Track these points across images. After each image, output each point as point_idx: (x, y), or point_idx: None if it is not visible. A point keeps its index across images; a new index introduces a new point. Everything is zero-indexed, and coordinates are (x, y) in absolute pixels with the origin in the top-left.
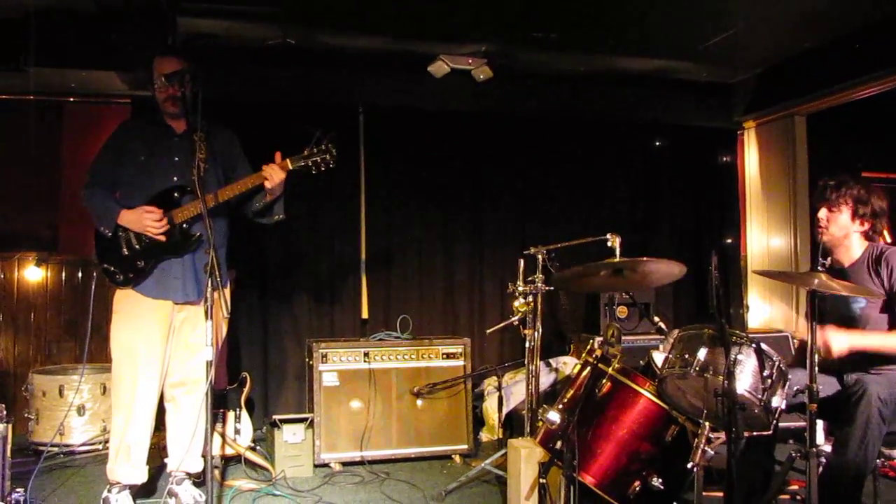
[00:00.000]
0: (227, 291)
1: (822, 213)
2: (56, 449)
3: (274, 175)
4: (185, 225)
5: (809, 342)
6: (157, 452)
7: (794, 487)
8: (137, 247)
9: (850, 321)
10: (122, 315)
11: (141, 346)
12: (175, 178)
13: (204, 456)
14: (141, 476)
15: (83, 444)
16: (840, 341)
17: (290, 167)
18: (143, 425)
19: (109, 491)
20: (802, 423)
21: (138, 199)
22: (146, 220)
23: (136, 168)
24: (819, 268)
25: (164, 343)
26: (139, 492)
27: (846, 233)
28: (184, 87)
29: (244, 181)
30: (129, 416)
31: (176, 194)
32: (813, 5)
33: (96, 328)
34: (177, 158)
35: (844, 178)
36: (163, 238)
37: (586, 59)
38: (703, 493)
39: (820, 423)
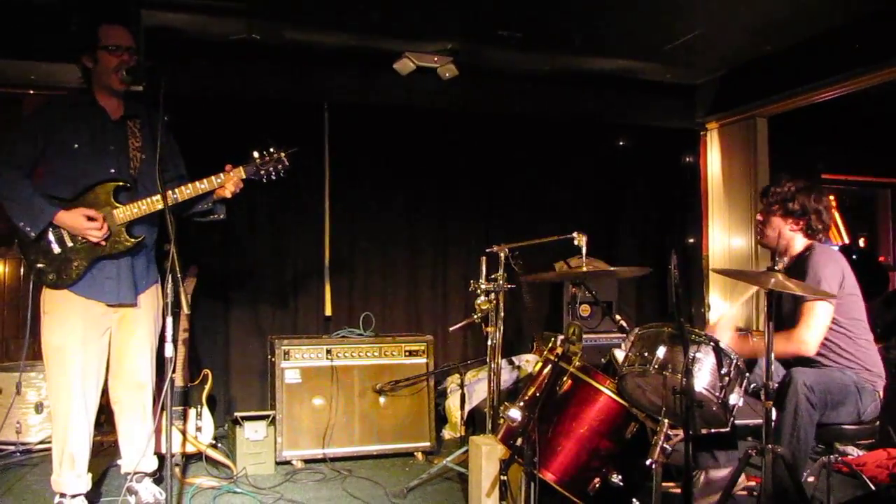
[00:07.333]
0: (182, 287)
1: (758, 216)
2: (13, 447)
3: (235, 189)
4: (125, 226)
5: (767, 341)
6: (108, 451)
7: (752, 484)
8: (71, 245)
9: (782, 320)
10: (53, 317)
11: (76, 349)
12: (112, 171)
13: (157, 453)
14: (85, 485)
15: (41, 443)
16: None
17: (244, 176)
18: (84, 432)
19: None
20: (760, 420)
21: (66, 190)
22: (87, 228)
23: (68, 157)
24: (776, 267)
25: (98, 345)
26: (93, 493)
27: (780, 232)
28: (132, 59)
29: (197, 184)
30: (68, 424)
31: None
32: (775, 10)
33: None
34: (112, 147)
35: (778, 179)
36: (103, 242)
37: (552, 59)
38: (662, 490)
39: None
